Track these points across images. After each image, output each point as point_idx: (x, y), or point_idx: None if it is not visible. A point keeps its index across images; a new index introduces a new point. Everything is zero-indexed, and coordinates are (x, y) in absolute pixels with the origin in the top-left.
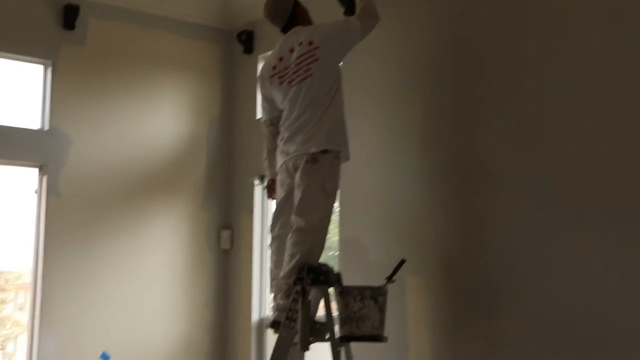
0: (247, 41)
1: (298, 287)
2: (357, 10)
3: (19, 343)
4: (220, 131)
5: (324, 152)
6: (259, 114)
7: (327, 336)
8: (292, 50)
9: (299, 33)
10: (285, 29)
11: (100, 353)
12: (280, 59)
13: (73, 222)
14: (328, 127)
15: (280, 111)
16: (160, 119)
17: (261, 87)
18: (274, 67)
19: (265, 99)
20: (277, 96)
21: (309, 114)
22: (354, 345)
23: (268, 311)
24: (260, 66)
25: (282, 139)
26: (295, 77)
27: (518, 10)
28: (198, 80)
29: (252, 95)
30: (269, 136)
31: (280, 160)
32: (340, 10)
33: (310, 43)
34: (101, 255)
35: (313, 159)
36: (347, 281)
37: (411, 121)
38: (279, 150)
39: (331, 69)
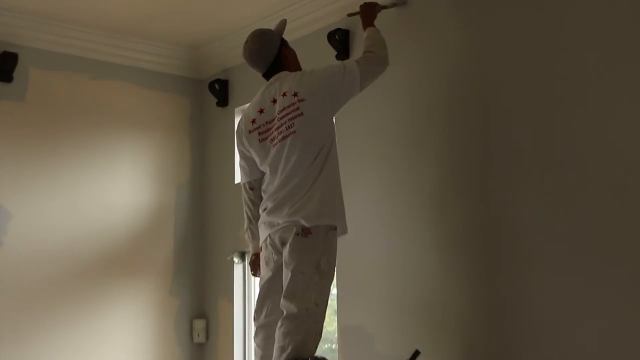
0: (221, 92)
1: None
2: (363, 49)
3: None
4: (191, 199)
5: (317, 225)
6: (238, 177)
7: None
8: (274, 101)
9: (284, 80)
10: (268, 74)
11: None
12: (261, 111)
13: (12, 318)
14: (319, 197)
15: (262, 173)
16: (118, 186)
17: (239, 145)
18: (254, 121)
19: (243, 158)
20: (258, 156)
21: (296, 182)
22: None
23: None
24: (237, 120)
25: (264, 209)
26: (277, 135)
27: (533, 62)
28: (164, 139)
29: (228, 155)
30: (250, 203)
31: (263, 233)
32: (332, 53)
33: (295, 94)
34: (48, 356)
35: (304, 231)
36: None
37: (417, 184)
38: (261, 221)
39: (320, 127)
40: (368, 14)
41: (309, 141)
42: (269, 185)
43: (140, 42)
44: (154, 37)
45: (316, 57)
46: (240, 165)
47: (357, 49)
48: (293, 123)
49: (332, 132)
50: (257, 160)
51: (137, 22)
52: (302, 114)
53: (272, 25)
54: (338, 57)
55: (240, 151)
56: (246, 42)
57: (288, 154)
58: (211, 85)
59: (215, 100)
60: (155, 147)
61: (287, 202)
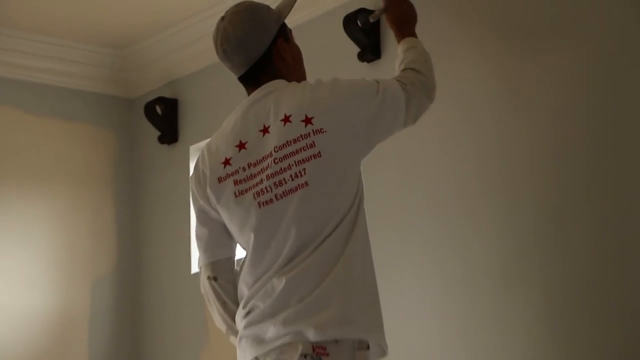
0: (165, 119)
1: None
2: (402, 65)
3: None
4: (115, 303)
5: (338, 340)
6: (195, 262)
7: None
8: (265, 131)
9: (281, 95)
10: (248, 80)
11: None
12: (241, 145)
13: None
14: (343, 292)
15: (233, 249)
16: (1, 284)
17: (196, 200)
18: (227, 162)
19: (203, 223)
20: (232, 219)
21: (305, 267)
22: None
23: None
24: (193, 164)
25: (247, 312)
26: (270, 187)
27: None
28: (72, 202)
29: (179, 225)
30: (221, 297)
31: (245, 355)
32: (350, 50)
33: (308, 121)
34: None
35: (318, 351)
36: None
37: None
38: (241, 334)
39: (347, 177)
40: (403, 14)
41: (329, 199)
42: (253, 270)
43: (33, 40)
44: (54, 32)
45: (324, 57)
46: (197, 236)
47: (391, 49)
48: (304, 169)
49: (361, 187)
50: (231, 226)
51: (28, 12)
52: (319, 154)
53: None
54: (362, 56)
55: (198, 211)
56: (222, 18)
57: (293, 219)
58: (149, 109)
59: (157, 133)
60: (58, 217)
61: (287, 300)
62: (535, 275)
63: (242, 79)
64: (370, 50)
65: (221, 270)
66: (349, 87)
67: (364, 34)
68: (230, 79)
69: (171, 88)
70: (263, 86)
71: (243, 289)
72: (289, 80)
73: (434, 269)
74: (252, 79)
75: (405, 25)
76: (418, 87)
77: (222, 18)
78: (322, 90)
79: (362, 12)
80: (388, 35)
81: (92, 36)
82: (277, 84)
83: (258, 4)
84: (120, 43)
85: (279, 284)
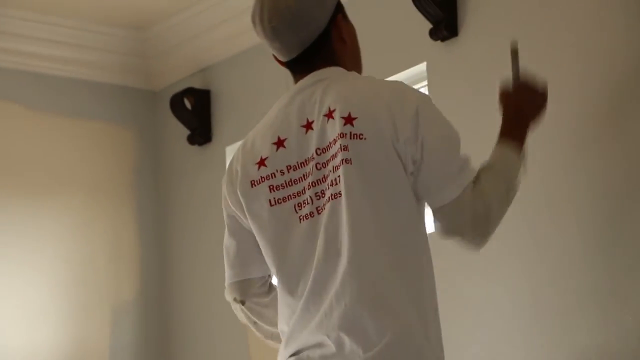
0: (195, 114)
1: None
2: (485, 173)
3: None
4: (138, 337)
5: None
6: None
7: None
8: (308, 126)
9: (331, 86)
10: (301, 65)
11: None
12: (279, 143)
13: None
14: (408, 314)
15: (265, 267)
16: (3, 316)
17: (226, 206)
18: (262, 162)
19: (231, 233)
20: (264, 232)
21: (352, 301)
22: None
23: None
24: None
25: (292, 354)
26: (313, 199)
27: None
28: (86, 214)
29: (211, 241)
30: (249, 320)
31: None
32: (421, 25)
33: (349, 119)
34: None
35: None
36: None
37: None
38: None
39: (393, 194)
40: (525, 102)
41: (374, 207)
42: (296, 288)
43: (36, 22)
44: (61, 12)
45: (388, 35)
46: (225, 248)
47: (471, 24)
48: (339, 176)
49: (420, 211)
50: (262, 240)
51: None
52: (349, 160)
53: None
54: (435, 33)
55: (228, 217)
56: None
57: (327, 237)
58: (176, 103)
59: (186, 131)
60: (70, 234)
61: (344, 322)
62: None
63: (292, 63)
64: (445, 26)
65: (250, 293)
66: (440, 121)
67: (437, 6)
68: (273, 65)
69: (202, 77)
70: (315, 72)
71: (283, 326)
72: (347, 68)
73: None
74: (305, 64)
75: (520, 119)
76: (480, 210)
77: None
78: (377, 87)
79: None
80: (467, 7)
81: (106, 16)
82: (332, 71)
83: None
84: (140, 24)
85: (329, 301)
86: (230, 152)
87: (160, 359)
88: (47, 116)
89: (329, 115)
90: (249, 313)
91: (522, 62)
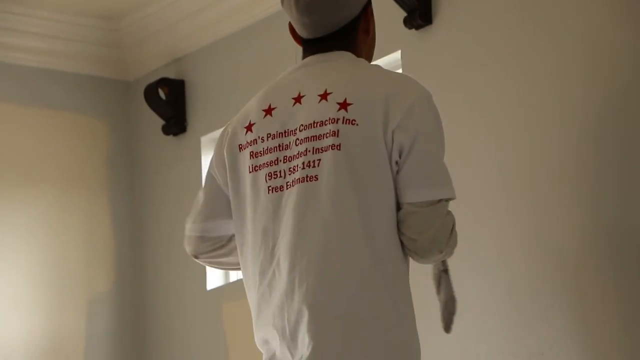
0: (170, 104)
1: None
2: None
3: None
4: (113, 328)
5: None
6: (211, 277)
7: None
8: (297, 100)
9: (336, 67)
10: (320, 47)
11: None
12: (268, 110)
13: None
14: (377, 331)
15: (226, 229)
16: None
17: (210, 166)
18: (249, 127)
19: (206, 188)
20: (245, 196)
21: (331, 292)
22: None
23: None
24: (206, 160)
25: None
26: (295, 169)
27: None
28: (59, 206)
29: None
30: (215, 267)
31: None
32: (396, 15)
33: (344, 104)
34: None
35: None
36: None
37: None
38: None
39: (374, 182)
40: None
41: (348, 205)
42: (266, 276)
43: (4, 12)
44: (33, 2)
45: None
46: (195, 200)
47: (446, 12)
48: (318, 159)
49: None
50: (235, 204)
51: None
52: (338, 146)
53: None
54: (409, 22)
55: (208, 174)
56: None
57: (301, 216)
58: (150, 93)
59: (161, 122)
60: (43, 225)
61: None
62: None
63: (311, 42)
64: (419, 15)
65: (203, 249)
66: (435, 120)
67: None
68: (250, 54)
69: (176, 67)
70: (326, 53)
71: (251, 294)
72: (358, 55)
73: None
74: (324, 45)
75: None
76: (448, 226)
77: None
78: (380, 77)
79: None
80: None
81: (79, 6)
82: (342, 55)
83: None
84: (113, 13)
85: (311, 298)
86: (205, 142)
87: (136, 351)
88: (18, 107)
89: (323, 96)
90: (206, 264)
91: (494, 52)
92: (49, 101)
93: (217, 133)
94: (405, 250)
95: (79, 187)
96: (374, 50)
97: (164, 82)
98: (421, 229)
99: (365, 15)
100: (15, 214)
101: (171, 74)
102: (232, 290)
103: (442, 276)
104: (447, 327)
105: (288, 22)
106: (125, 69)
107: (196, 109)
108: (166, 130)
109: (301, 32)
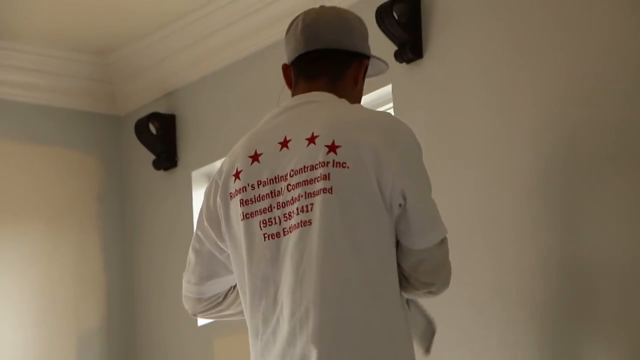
0: (161, 139)
1: None
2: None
3: None
4: None
5: None
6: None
7: None
8: (284, 144)
9: (317, 110)
10: (308, 64)
11: None
12: (255, 157)
13: None
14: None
15: (221, 286)
16: None
17: (200, 221)
18: (237, 175)
19: (197, 247)
20: (236, 248)
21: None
22: None
23: None
24: (197, 195)
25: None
26: (291, 215)
27: None
28: (50, 242)
29: (178, 269)
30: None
31: None
32: (386, 46)
33: (333, 147)
34: None
35: None
36: None
37: None
38: None
39: (367, 223)
40: None
41: (343, 245)
42: (269, 319)
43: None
44: (22, 36)
45: None
46: (188, 260)
47: (436, 46)
48: (311, 204)
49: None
50: (233, 253)
51: None
52: (330, 189)
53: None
54: (400, 56)
55: (196, 233)
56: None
57: (299, 261)
58: (141, 128)
59: (152, 157)
60: (33, 262)
61: None
62: None
63: (301, 59)
64: (410, 49)
65: (200, 309)
66: (420, 157)
67: (402, 29)
68: (240, 89)
69: (167, 102)
70: (308, 94)
71: (253, 340)
72: (348, 98)
73: None
74: (313, 65)
75: None
76: (446, 262)
77: (311, 10)
78: (367, 122)
79: (399, 1)
80: (432, 29)
81: (69, 41)
82: (324, 96)
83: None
84: (103, 48)
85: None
86: (196, 176)
87: None
88: (8, 142)
89: (311, 139)
90: (205, 318)
91: (485, 85)
92: (38, 136)
93: (208, 168)
94: (413, 291)
95: (70, 222)
96: (361, 89)
97: (154, 116)
98: (436, 271)
99: (360, 65)
100: (4, 250)
101: (162, 109)
102: (223, 325)
103: (411, 304)
104: (428, 349)
105: (282, 64)
106: (116, 103)
107: (187, 144)
108: (157, 165)
109: (297, 48)
